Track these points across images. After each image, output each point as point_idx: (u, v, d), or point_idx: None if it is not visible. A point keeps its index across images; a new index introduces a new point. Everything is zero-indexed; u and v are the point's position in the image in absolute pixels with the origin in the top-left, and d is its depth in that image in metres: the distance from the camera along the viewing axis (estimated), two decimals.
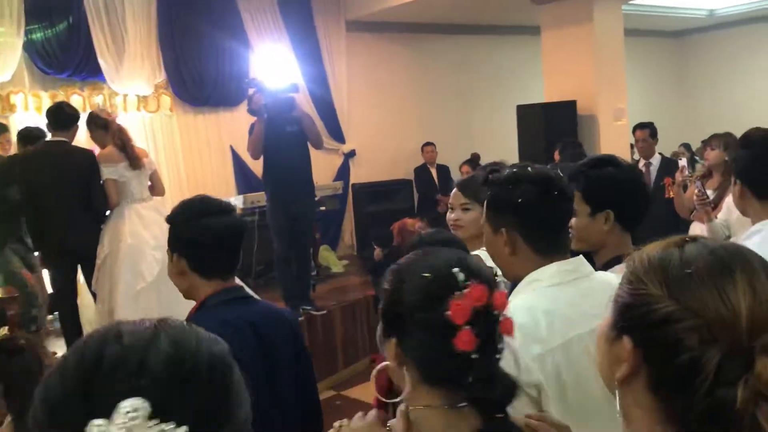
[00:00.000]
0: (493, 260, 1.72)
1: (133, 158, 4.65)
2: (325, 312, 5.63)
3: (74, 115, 4.72)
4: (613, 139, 7.25)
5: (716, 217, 3.86)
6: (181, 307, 1.94)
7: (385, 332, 1.21)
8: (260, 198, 6.40)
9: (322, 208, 6.99)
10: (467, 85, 9.39)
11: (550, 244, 1.62)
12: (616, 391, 0.89)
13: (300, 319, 5.43)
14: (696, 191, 4.00)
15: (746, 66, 11.25)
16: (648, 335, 0.83)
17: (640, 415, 0.87)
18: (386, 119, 8.71)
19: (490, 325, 1.13)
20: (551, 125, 7.01)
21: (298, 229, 5.51)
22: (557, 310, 1.54)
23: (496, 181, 1.66)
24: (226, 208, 1.92)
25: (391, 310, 1.19)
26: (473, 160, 7.63)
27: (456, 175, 8.37)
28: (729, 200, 3.45)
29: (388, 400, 1.24)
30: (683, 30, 11.95)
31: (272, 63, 7.31)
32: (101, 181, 4.60)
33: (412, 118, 8.92)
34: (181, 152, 7.06)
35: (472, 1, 7.73)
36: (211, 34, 7.14)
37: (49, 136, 4.69)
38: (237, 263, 1.95)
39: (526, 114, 7.32)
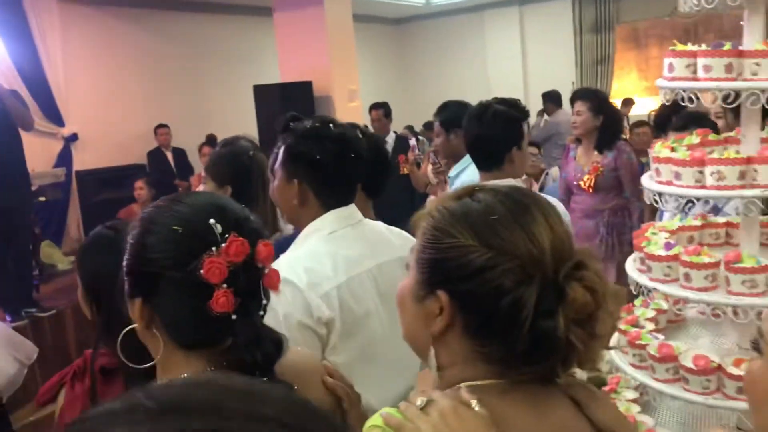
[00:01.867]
0: (279, 207, 1.81)
1: None
2: (54, 312, 5.05)
3: None
4: (348, 119, 7.46)
5: None
6: None
7: (129, 291, 1.05)
8: None
9: (42, 198, 6.27)
10: (200, 65, 9.04)
11: (340, 201, 1.70)
12: (431, 347, 0.91)
13: (23, 323, 4.83)
14: (431, 163, 4.27)
15: (458, 52, 12.39)
16: (466, 285, 0.86)
17: (455, 362, 0.89)
18: (112, 100, 8.05)
19: (253, 281, 1.03)
20: (288, 105, 7.00)
21: (11, 223, 4.86)
22: (339, 252, 1.63)
23: (297, 132, 1.67)
24: None
25: (136, 267, 1.04)
26: (211, 141, 7.38)
27: (193, 158, 8.05)
28: None
29: (135, 366, 1.08)
30: (404, 17, 12.78)
31: None
32: None
33: (142, 98, 8.36)
34: None
35: None
36: None
37: None
38: None
39: (264, 94, 7.27)
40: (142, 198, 6.25)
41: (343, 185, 1.70)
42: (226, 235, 1.01)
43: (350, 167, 1.68)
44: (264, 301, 1.06)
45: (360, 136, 1.76)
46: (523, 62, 12.01)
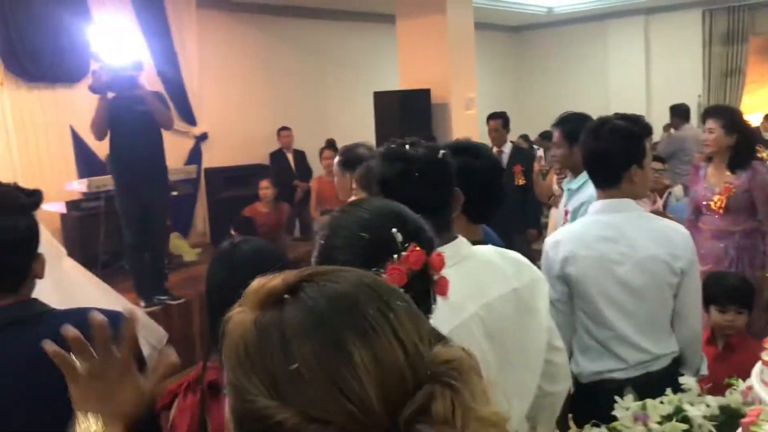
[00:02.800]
0: None
1: None
2: (183, 300, 5.38)
3: None
4: (464, 128, 7.52)
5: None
6: None
7: None
8: (107, 182, 5.98)
9: (174, 193, 6.67)
10: (322, 70, 9.35)
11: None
12: None
13: (155, 309, 5.18)
14: (556, 173, 4.24)
15: (578, 62, 12.13)
16: None
17: None
18: (240, 102, 8.47)
19: (425, 286, 1.11)
20: (407, 112, 7.15)
21: (149, 215, 5.22)
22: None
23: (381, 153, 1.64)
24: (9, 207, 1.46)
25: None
26: (331, 145, 7.61)
27: (312, 160, 8.32)
28: None
29: None
30: (524, 25, 12.65)
31: (114, 37, 6.83)
32: None
33: (267, 101, 8.74)
34: (14, 132, 6.42)
35: None
36: (46, 4, 6.53)
37: None
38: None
39: (383, 100, 7.42)
40: (266, 197, 6.49)
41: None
42: (406, 244, 1.09)
43: (413, 187, 1.52)
44: (434, 306, 1.13)
45: (440, 157, 1.60)
46: (647, 73, 11.61)
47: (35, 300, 1.49)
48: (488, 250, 1.68)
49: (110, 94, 5.07)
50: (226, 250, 1.72)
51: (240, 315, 0.71)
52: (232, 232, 6.67)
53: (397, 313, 0.68)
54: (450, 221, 1.64)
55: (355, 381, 0.64)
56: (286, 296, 0.69)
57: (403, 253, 1.08)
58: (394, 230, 1.10)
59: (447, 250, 1.55)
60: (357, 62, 9.58)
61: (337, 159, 3.06)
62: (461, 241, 1.62)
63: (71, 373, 1.02)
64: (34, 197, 1.49)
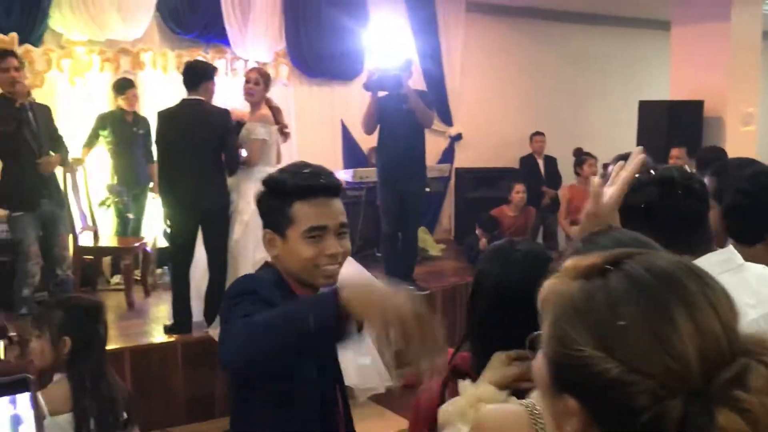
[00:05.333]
0: None
1: (284, 125, 4.79)
2: (427, 292, 5.59)
3: (201, 74, 4.60)
4: (740, 145, 6.84)
5: None
6: None
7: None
8: (369, 174, 6.41)
9: (427, 189, 6.93)
10: (583, 76, 9.08)
11: (683, 242, 1.51)
12: None
13: None
14: None
15: None
16: (595, 397, 0.73)
17: None
18: (496, 104, 8.55)
19: None
20: (675, 124, 6.70)
21: (405, 208, 5.49)
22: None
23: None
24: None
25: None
26: (577, 154, 7.36)
27: (565, 168, 8.13)
28: None
29: None
30: None
31: (387, 38, 7.28)
32: (235, 141, 4.62)
33: (523, 105, 8.72)
34: (295, 122, 7.13)
35: None
36: (333, 8, 7.15)
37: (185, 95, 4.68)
38: None
39: (649, 111, 7.03)
40: (517, 201, 6.48)
41: (680, 225, 1.57)
42: None
43: (680, 205, 1.57)
44: None
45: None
46: None
47: None
48: (763, 267, 1.63)
49: (381, 93, 5.42)
50: (502, 248, 1.73)
51: (560, 283, 0.80)
52: (477, 231, 6.78)
53: (715, 290, 0.75)
54: (710, 237, 1.64)
55: (678, 340, 0.70)
56: (608, 267, 0.77)
57: None
58: None
59: (719, 256, 1.56)
60: (623, 69, 9.16)
61: (617, 166, 2.95)
62: (732, 250, 1.60)
63: None
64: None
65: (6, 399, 0.77)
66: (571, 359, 0.74)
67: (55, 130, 4.73)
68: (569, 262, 0.81)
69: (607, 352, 0.71)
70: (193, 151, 4.46)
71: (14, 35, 5.55)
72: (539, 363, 0.81)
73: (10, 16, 5.62)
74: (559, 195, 7.52)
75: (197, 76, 4.60)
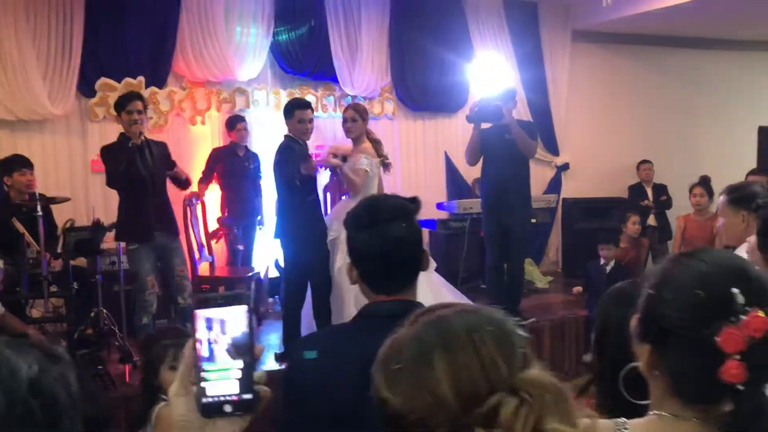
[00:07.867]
0: None
1: (385, 157, 4.93)
2: (533, 320, 5.48)
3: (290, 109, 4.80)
4: None
5: None
6: None
7: (640, 335, 1.10)
8: (473, 205, 6.42)
9: (533, 220, 6.84)
10: (694, 102, 8.74)
11: None
12: None
13: None
14: None
15: None
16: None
17: None
18: (603, 133, 8.37)
19: (767, 356, 0.97)
20: None
21: (509, 239, 5.44)
22: None
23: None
24: (396, 215, 1.69)
25: (651, 317, 1.07)
26: (704, 182, 7.05)
27: (678, 196, 7.78)
28: None
29: (636, 401, 1.17)
30: None
31: (492, 71, 7.30)
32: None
33: (631, 133, 8.49)
34: (399, 155, 7.26)
35: (717, 15, 7.16)
36: (437, 43, 7.26)
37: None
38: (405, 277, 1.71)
39: None
40: (632, 232, 6.26)
41: None
42: (747, 308, 0.97)
43: None
44: None
45: None
46: None
47: (420, 303, 1.69)
48: None
49: (484, 125, 5.44)
50: (625, 290, 1.71)
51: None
52: (601, 252, 6.51)
53: (482, 333, 0.86)
54: None
55: (434, 383, 0.84)
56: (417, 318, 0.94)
57: (743, 318, 0.96)
58: (735, 290, 0.98)
59: None
60: (739, 93, 8.74)
61: (724, 197, 2.84)
62: None
63: None
64: (416, 203, 1.75)
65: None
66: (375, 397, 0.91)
67: (173, 164, 4.95)
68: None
69: (390, 390, 0.87)
70: None
71: (141, 79, 6.00)
72: None
73: (140, 60, 6.06)
74: (672, 225, 7.22)
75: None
